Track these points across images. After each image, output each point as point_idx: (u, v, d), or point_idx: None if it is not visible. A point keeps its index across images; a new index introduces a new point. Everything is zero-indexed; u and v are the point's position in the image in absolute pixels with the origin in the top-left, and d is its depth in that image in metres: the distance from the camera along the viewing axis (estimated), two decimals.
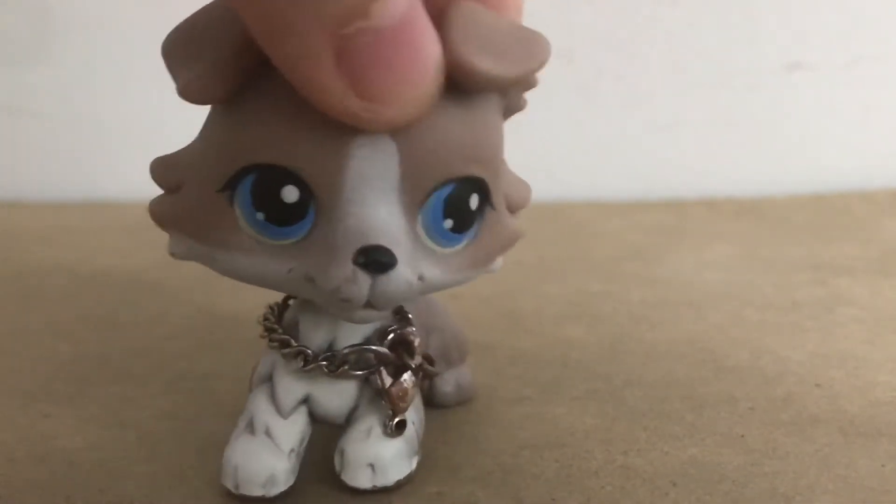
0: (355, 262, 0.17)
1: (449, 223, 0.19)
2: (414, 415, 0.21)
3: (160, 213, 0.20)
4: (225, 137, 0.19)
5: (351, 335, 0.21)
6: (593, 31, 0.60)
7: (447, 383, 0.25)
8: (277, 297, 0.22)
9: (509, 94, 0.20)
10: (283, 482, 0.20)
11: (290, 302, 0.22)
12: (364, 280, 0.17)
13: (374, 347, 0.21)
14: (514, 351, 0.30)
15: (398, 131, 0.17)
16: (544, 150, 0.59)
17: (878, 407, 0.26)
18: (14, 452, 0.23)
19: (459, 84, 0.18)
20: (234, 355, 0.30)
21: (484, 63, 0.17)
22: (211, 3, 0.19)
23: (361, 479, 0.21)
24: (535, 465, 0.22)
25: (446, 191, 0.19)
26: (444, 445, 0.23)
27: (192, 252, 0.19)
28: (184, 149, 0.20)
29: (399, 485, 0.21)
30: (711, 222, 0.52)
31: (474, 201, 0.19)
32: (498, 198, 0.20)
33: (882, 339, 0.31)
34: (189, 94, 0.18)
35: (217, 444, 0.24)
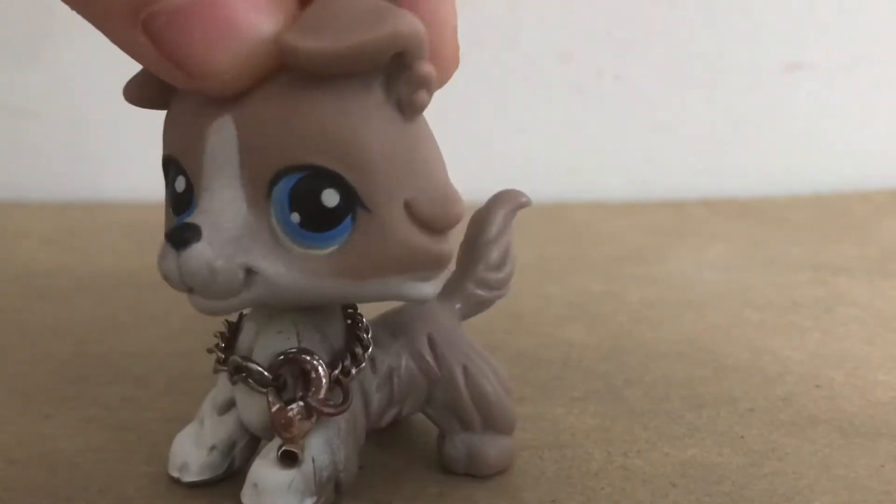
0: (164, 239, 0.18)
1: (296, 217, 0.18)
2: (321, 452, 0.20)
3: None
4: None
5: (263, 348, 0.20)
6: (592, 32, 0.60)
7: (454, 448, 0.22)
8: None
9: (395, 85, 0.18)
10: (195, 473, 0.21)
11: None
12: (171, 255, 0.18)
13: (249, 364, 0.20)
14: (515, 351, 0.30)
15: (238, 114, 0.18)
16: (544, 150, 0.59)
17: (877, 407, 0.26)
18: (14, 453, 0.23)
19: (292, 66, 0.17)
20: None
21: (301, 41, 0.17)
22: None
23: (247, 496, 0.20)
24: (535, 466, 0.22)
25: (292, 180, 0.18)
26: None
27: None
28: None
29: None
30: (711, 222, 0.52)
31: (330, 198, 0.18)
32: (380, 201, 0.18)
33: (881, 338, 0.31)
34: (127, 96, 0.20)
35: None
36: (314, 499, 0.20)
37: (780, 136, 0.61)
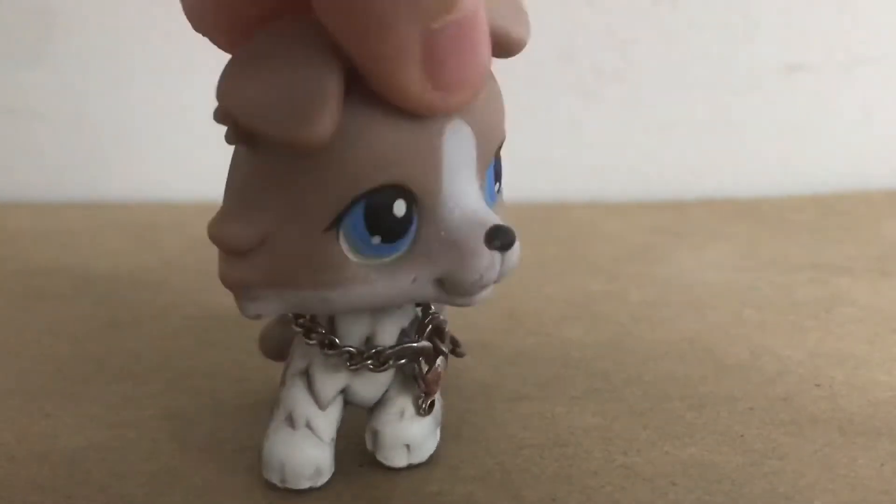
0: (492, 247, 0.18)
1: (497, 186, 0.21)
2: (438, 393, 0.23)
3: (241, 277, 0.18)
4: (322, 176, 0.18)
5: (388, 328, 0.21)
6: (593, 32, 0.60)
7: None
8: None
9: None
10: (327, 472, 0.21)
11: None
12: (498, 260, 0.19)
13: (416, 345, 0.21)
14: (515, 350, 0.30)
15: (469, 114, 0.18)
16: (544, 150, 0.59)
17: (877, 406, 0.26)
18: (15, 451, 0.23)
19: (499, 54, 0.19)
20: (235, 355, 0.30)
21: (521, 32, 0.19)
22: (260, 47, 0.18)
23: (398, 458, 0.22)
24: (535, 465, 0.22)
25: (493, 161, 0.20)
26: (443, 444, 0.23)
27: (288, 304, 0.19)
28: (249, 201, 0.18)
29: (430, 459, 0.22)
30: (711, 223, 0.52)
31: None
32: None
33: (881, 338, 0.31)
34: (318, 137, 0.17)
35: (217, 442, 0.24)
36: (439, 427, 0.23)
37: (781, 137, 0.61)
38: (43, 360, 0.30)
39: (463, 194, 0.18)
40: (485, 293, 0.19)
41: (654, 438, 0.24)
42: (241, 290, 0.19)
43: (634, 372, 0.28)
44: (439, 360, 0.22)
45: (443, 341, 0.22)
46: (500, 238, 0.18)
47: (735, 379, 0.28)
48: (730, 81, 0.61)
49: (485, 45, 0.17)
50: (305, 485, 0.21)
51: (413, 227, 0.18)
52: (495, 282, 0.19)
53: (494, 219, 0.19)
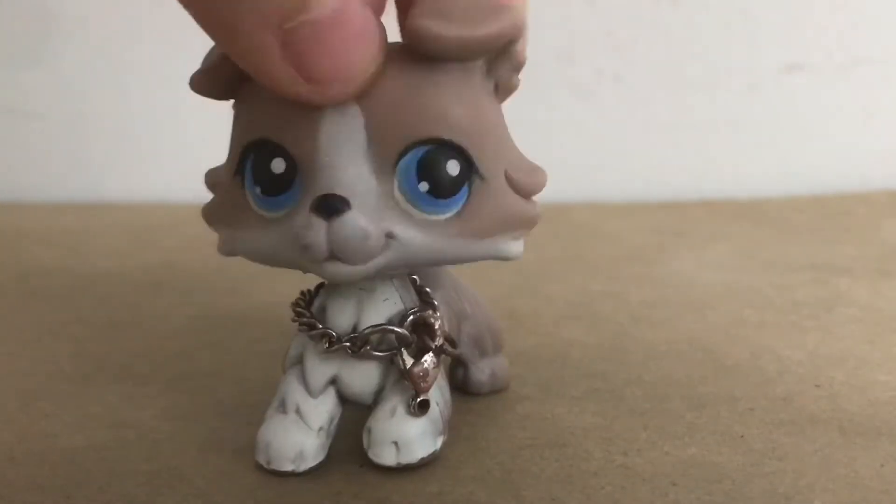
0: (309, 210, 0.19)
1: (425, 186, 0.19)
2: (438, 396, 0.22)
3: (205, 211, 0.22)
4: (234, 131, 0.21)
5: (374, 318, 0.22)
6: (593, 32, 0.61)
7: (482, 372, 0.26)
8: (299, 286, 0.23)
9: (497, 70, 0.20)
10: (311, 458, 0.22)
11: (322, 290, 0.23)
12: (318, 224, 0.19)
13: (393, 328, 0.21)
14: (515, 350, 0.30)
15: (363, 97, 0.19)
16: (544, 150, 0.59)
17: (877, 406, 0.26)
18: (14, 451, 0.23)
19: (420, 50, 0.19)
20: (234, 355, 0.30)
21: (436, 28, 0.19)
22: None
23: (386, 456, 0.21)
24: (535, 465, 0.22)
25: (419, 153, 0.19)
26: (444, 444, 0.23)
27: (229, 242, 0.21)
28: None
29: (423, 462, 0.22)
30: (711, 223, 0.52)
31: (453, 167, 0.20)
32: (491, 170, 0.20)
33: (881, 338, 0.31)
34: (194, 86, 0.21)
35: (217, 442, 0.24)
36: (443, 437, 0.22)
37: (780, 137, 0.61)
38: (43, 360, 0.30)
39: (337, 168, 0.19)
40: (334, 267, 0.19)
41: (654, 438, 0.24)
42: (208, 222, 0.22)
43: (634, 372, 0.28)
44: (427, 357, 0.21)
45: (432, 338, 0.22)
46: (318, 201, 0.19)
47: (735, 379, 0.28)
48: (729, 82, 0.61)
49: (358, 41, 0.18)
50: (288, 467, 0.21)
51: (296, 192, 0.20)
52: (339, 258, 0.19)
53: (335, 189, 0.19)
